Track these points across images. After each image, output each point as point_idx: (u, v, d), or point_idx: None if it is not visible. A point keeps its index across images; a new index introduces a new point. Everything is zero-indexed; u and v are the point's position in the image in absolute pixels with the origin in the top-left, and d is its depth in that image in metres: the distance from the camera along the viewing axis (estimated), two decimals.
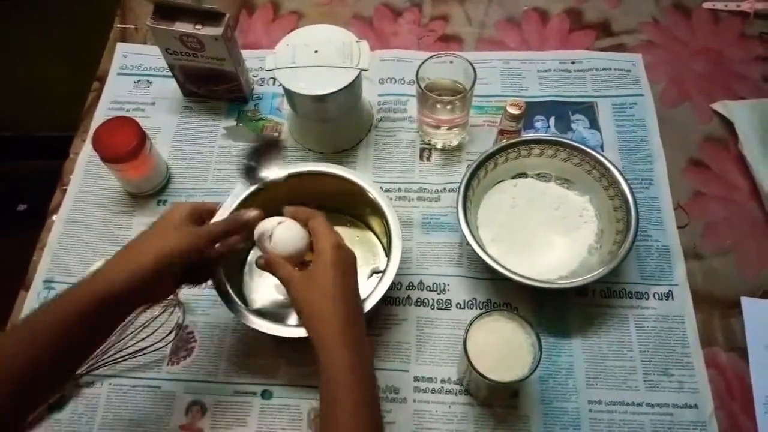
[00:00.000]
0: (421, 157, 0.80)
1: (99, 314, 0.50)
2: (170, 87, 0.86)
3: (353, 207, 0.73)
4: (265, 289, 0.71)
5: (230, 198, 0.65)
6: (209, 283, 0.62)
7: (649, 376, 0.65)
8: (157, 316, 0.68)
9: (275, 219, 0.58)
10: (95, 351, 0.57)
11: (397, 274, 0.63)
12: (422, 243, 0.74)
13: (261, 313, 0.62)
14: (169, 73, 0.83)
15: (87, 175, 0.81)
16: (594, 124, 0.82)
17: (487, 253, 0.65)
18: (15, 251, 0.79)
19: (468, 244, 0.66)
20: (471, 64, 0.72)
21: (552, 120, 0.82)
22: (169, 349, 0.68)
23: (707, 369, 0.65)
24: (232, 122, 0.84)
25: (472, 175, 0.70)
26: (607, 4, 0.93)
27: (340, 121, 0.78)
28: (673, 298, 0.69)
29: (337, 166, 0.70)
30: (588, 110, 0.83)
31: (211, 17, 0.74)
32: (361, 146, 0.81)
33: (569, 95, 0.84)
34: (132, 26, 0.94)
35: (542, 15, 0.92)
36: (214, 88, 0.83)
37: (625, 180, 0.69)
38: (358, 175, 0.69)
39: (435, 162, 0.80)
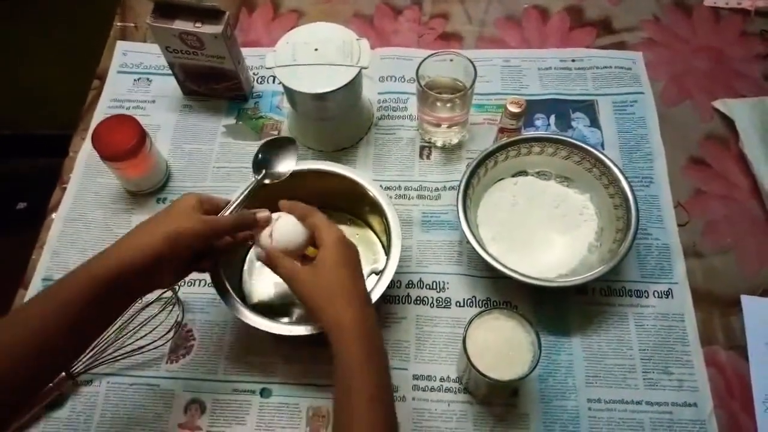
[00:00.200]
0: (421, 156, 0.80)
1: (107, 293, 0.50)
2: (170, 85, 0.85)
3: (353, 205, 0.73)
4: (264, 287, 0.71)
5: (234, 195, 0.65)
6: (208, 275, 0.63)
7: (649, 374, 0.65)
8: (156, 315, 0.68)
9: (273, 215, 0.59)
10: (100, 334, 0.57)
11: (396, 273, 0.62)
12: (422, 241, 0.74)
13: (260, 311, 0.62)
14: (169, 72, 0.83)
15: (86, 173, 0.81)
16: (594, 122, 0.81)
17: (486, 252, 0.65)
18: (14, 250, 0.79)
19: (468, 242, 0.66)
20: (471, 62, 0.72)
21: (552, 118, 0.82)
22: (168, 347, 0.68)
23: (707, 367, 0.65)
24: (231, 120, 0.84)
25: (472, 174, 0.70)
26: (608, 1, 0.92)
27: (340, 120, 0.78)
28: (672, 296, 0.69)
29: (336, 164, 0.70)
30: (588, 108, 0.83)
31: (211, 15, 0.74)
32: (361, 144, 0.81)
33: (570, 93, 0.84)
34: (132, 24, 0.94)
35: (542, 13, 0.92)
36: (214, 86, 0.83)
37: (626, 178, 0.69)
38: (358, 173, 0.69)
39: (435, 160, 0.80)
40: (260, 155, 0.65)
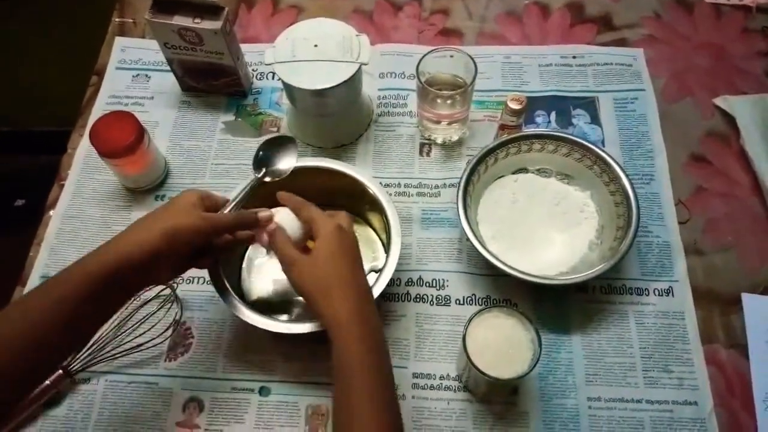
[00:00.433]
0: (421, 153, 0.80)
1: (104, 288, 0.49)
2: (169, 81, 0.85)
3: (352, 202, 0.72)
4: (263, 284, 0.71)
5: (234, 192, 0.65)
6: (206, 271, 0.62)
7: (649, 372, 0.65)
8: (154, 312, 0.68)
9: (272, 210, 0.59)
10: (97, 330, 0.56)
11: (396, 270, 0.62)
12: (422, 239, 0.74)
13: (259, 309, 0.62)
14: (168, 68, 0.82)
15: (85, 170, 0.80)
16: (595, 120, 0.81)
17: (486, 249, 0.65)
18: (13, 247, 0.79)
19: (468, 239, 0.66)
20: (471, 59, 0.71)
21: (553, 115, 0.82)
22: (166, 345, 0.68)
23: (707, 366, 0.65)
24: (230, 117, 0.84)
25: (472, 171, 0.70)
26: None
27: (339, 116, 0.77)
28: (673, 294, 0.69)
29: (336, 161, 0.69)
30: (589, 105, 0.82)
31: (210, 11, 0.73)
32: (361, 141, 0.81)
33: (570, 90, 0.84)
34: (130, 20, 0.94)
35: (543, 9, 0.92)
36: (212, 82, 0.83)
37: (626, 175, 0.68)
38: (358, 170, 0.68)
39: (435, 157, 0.79)
40: (261, 153, 0.65)
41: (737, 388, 0.64)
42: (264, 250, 0.61)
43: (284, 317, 0.69)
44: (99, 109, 0.85)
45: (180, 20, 0.73)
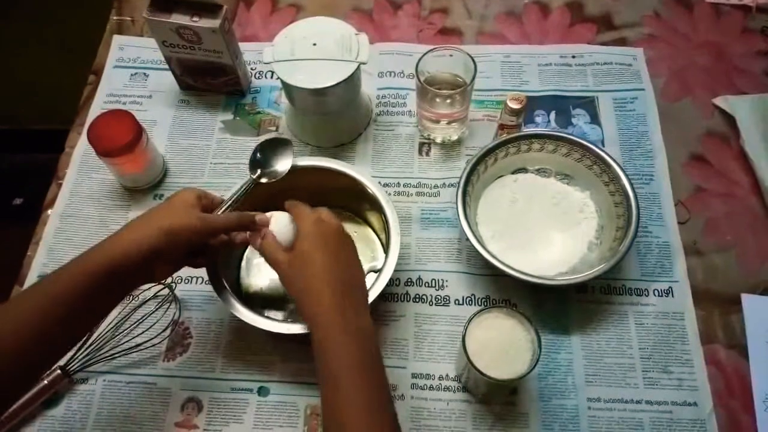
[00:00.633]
0: (420, 152, 0.80)
1: (99, 286, 0.50)
2: (167, 80, 0.85)
3: (351, 202, 0.72)
4: (261, 283, 0.71)
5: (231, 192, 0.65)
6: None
7: (649, 373, 0.65)
8: (152, 312, 0.68)
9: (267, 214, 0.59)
10: (92, 328, 0.57)
11: (395, 270, 0.62)
12: (421, 238, 0.73)
13: (258, 309, 0.61)
14: (166, 66, 0.82)
15: (82, 169, 0.80)
16: (595, 119, 0.81)
17: (486, 249, 0.65)
18: (10, 246, 0.79)
19: (467, 239, 0.66)
20: (471, 58, 0.71)
21: (552, 115, 0.82)
22: (164, 345, 0.68)
23: (707, 366, 0.65)
24: (229, 116, 0.84)
25: (472, 170, 0.70)
26: None
27: (338, 115, 0.77)
28: (673, 294, 0.69)
29: (335, 160, 0.69)
30: (589, 105, 0.82)
31: (208, 9, 0.73)
32: (360, 140, 0.81)
33: (570, 89, 0.83)
34: (128, 18, 0.93)
35: (543, 8, 0.91)
36: (211, 81, 0.82)
37: (626, 175, 0.68)
38: (357, 169, 0.68)
39: (434, 157, 0.79)
40: (257, 154, 0.65)
41: (737, 388, 0.64)
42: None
43: (283, 317, 0.68)
44: (97, 107, 0.85)
45: (178, 18, 0.73)
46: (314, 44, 0.72)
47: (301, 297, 0.52)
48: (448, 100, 0.72)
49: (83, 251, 0.51)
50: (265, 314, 0.61)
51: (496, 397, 0.64)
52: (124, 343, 0.66)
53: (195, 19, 0.73)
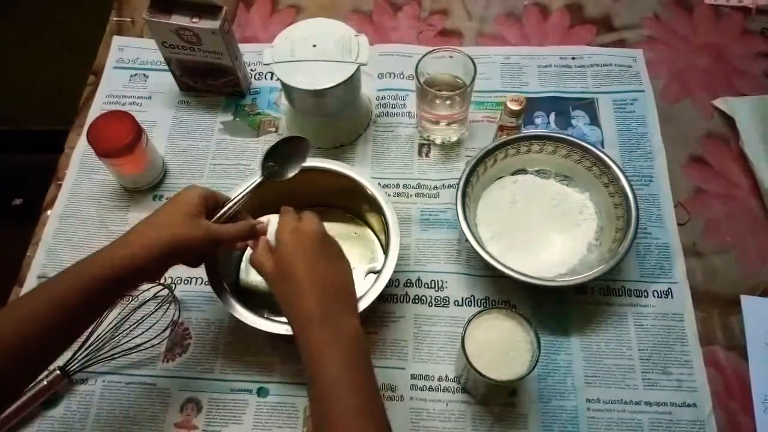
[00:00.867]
0: (419, 153, 0.80)
1: (104, 291, 0.51)
2: (167, 81, 0.85)
3: (351, 203, 0.72)
4: (261, 283, 0.70)
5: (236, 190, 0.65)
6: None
7: (648, 374, 0.65)
8: (152, 313, 0.68)
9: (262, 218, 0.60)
10: (95, 322, 0.58)
11: (394, 271, 0.62)
12: (420, 239, 0.73)
13: (257, 309, 0.61)
14: (166, 67, 0.82)
15: (82, 169, 0.80)
16: (594, 121, 0.81)
17: (485, 251, 0.65)
18: (10, 246, 0.79)
19: (467, 240, 0.66)
20: (471, 59, 0.71)
21: (552, 116, 0.82)
22: (164, 345, 0.68)
23: (706, 367, 0.65)
24: (229, 117, 0.84)
25: (471, 172, 0.70)
26: None
27: (338, 116, 0.77)
28: (672, 296, 0.69)
29: (334, 161, 0.69)
30: (588, 106, 0.82)
31: (208, 10, 0.73)
32: (360, 142, 0.81)
33: (570, 91, 0.83)
34: (128, 19, 0.93)
35: (543, 10, 0.91)
36: (211, 82, 0.83)
37: (625, 177, 0.68)
38: (356, 170, 0.68)
39: (434, 158, 0.79)
40: (272, 152, 0.63)
41: (736, 389, 0.64)
42: None
43: (282, 318, 0.68)
44: (97, 108, 0.85)
45: (178, 19, 0.73)
46: (314, 45, 0.72)
47: (285, 306, 0.53)
48: (448, 102, 0.72)
49: (88, 254, 0.52)
50: (265, 315, 0.61)
51: (495, 398, 0.64)
52: (123, 343, 0.66)
53: (195, 20, 0.73)
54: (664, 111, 0.81)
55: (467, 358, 0.56)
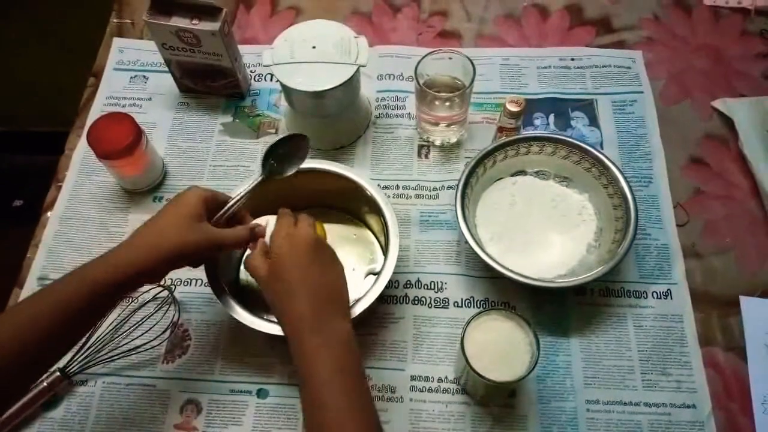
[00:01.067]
0: (419, 155, 0.80)
1: (110, 294, 0.52)
2: (167, 83, 0.85)
3: (351, 204, 0.72)
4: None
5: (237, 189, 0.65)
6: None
7: (647, 375, 0.65)
8: (152, 314, 0.68)
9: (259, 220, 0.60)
10: (97, 323, 0.59)
11: (394, 272, 0.62)
12: (420, 241, 0.74)
13: (256, 309, 0.61)
14: (166, 69, 0.82)
15: (82, 171, 0.80)
16: (593, 122, 0.81)
17: (485, 252, 0.65)
18: (10, 248, 0.79)
19: (466, 242, 0.66)
20: (470, 61, 0.71)
21: (551, 117, 0.82)
22: (164, 347, 0.68)
23: (705, 368, 0.65)
24: (228, 118, 0.84)
25: (471, 173, 0.70)
26: (608, 0, 0.92)
27: (337, 118, 0.77)
28: (671, 297, 0.69)
29: (334, 163, 0.69)
30: (588, 107, 0.82)
31: (208, 12, 0.73)
32: (359, 143, 0.81)
33: (569, 92, 0.84)
34: (128, 21, 0.93)
35: (542, 11, 0.92)
36: (210, 83, 0.83)
37: (625, 178, 0.68)
38: (356, 172, 0.68)
39: (433, 159, 0.79)
40: (273, 151, 0.63)
41: (735, 391, 0.64)
42: None
43: None
44: (97, 110, 0.85)
45: (178, 21, 0.73)
46: (313, 47, 0.72)
47: (277, 310, 0.54)
48: (447, 103, 0.73)
49: (88, 255, 0.53)
50: (264, 316, 0.61)
51: (494, 400, 0.64)
52: (123, 345, 0.66)
53: (195, 21, 0.73)
54: (664, 112, 0.81)
55: (466, 360, 0.56)
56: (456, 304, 0.69)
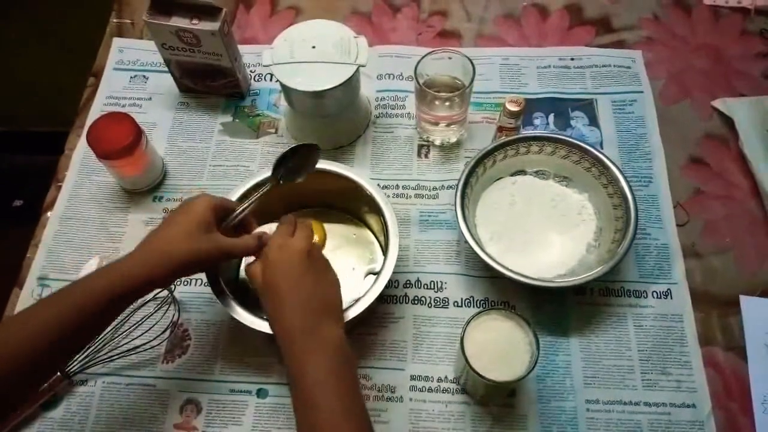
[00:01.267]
0: (419, 154, 0.80)
1: (120, 302, 0.53)
2: (166, 82, 0.85)
3: (350, 204, 0.72)
4: None
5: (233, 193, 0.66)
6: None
7: (647, 375, 0.65)
8: (151, 314, 0.68)
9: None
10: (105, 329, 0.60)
11: (394, 272, 0.62)
12: (420, 240, 0.74)
13: (256, 311, 0.61)
14: (166, 69, 0.82)
15: (82, 171, 0.80)
16: (593, 122, 0.81)
17: (485, 251, 0.65)
18: (10, 247, 0.79)
19: (466, 242, 0.66)
20: (470, 60, 0.71)
21: (551, 117, 0.82)
22: (163, 347, 0.68)
23: (705, 368, 0.65)
24: (228, 118, 0.84)
25: (471, 173, 0.70)
26: (607, 0, 0.92)
27: (337, 118, 0.77)
28: (671, 296, 0.69)
29: (334, 162, 0.69)
30: (587, 107, 0.82)
31: (207, 12, 0.73)
32: (359, 143, 0.81)
33: (569, 92, 0.84)
34: (128, 21, 0.93)
35: (542, 11, 0.92)
36: (210, 83, 0.83)
37: (625, 178, 0.68)
38: (356, 171, 0.68)
39: (433, 159, 0.79)
40: (284, 161, 0.63)
41: (735, 390, 0.64)
42: None
43: None
44: (97, 110, 0.85)
45: (177, 21, 0.73)
46: (313, 47, 0.72)
47: (270, 320, 0.55)
48: (447, 103, 0.73)
49: (86, 253, 0.53)
50: (264, 317, 0.61)
51: (494, 399, 0.64)
52: (123, 345, 0.66)
53: (194, 21, 0.73)
54: (663, 112, 0.81)
55: (466, 359, 0.56)
56: (456, 303, 0.69)
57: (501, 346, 0.57)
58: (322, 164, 0.69)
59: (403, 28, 0.91)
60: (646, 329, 0.67)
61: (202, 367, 0.67)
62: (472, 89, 0.72)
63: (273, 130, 0.83)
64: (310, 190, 0.69)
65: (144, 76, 0.88)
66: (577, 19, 0.91)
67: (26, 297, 0.71)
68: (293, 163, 0.62)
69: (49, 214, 0.77)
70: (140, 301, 0.68)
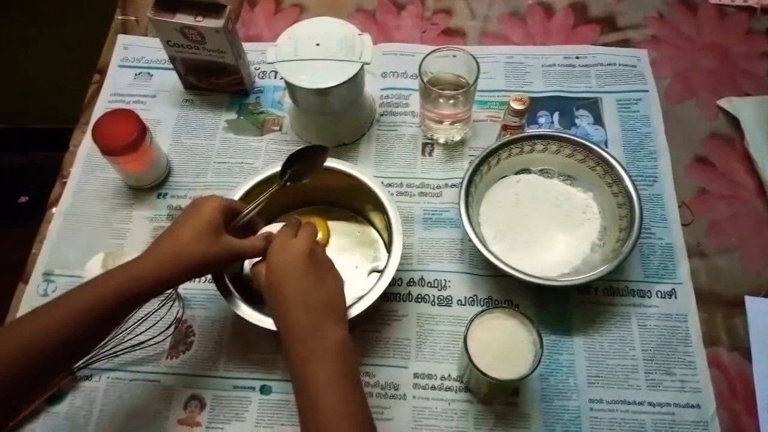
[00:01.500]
0: (423, 152, 0.80)
1: (136, 299, 0.53)
2: (171, 79, 0.85)
3: (354, 202, 0.72)
4: None
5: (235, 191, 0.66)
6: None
7: (651, 375, 0.65)
8: (156, 310, 0.68)
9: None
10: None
11: (397, 270, 0.62)
12: (423, 239, 0.73)
13: (260, 307, 0.61)
14: (170, 66, 0.82)
15: (87, 167, 0.80)
16: (598, 120, 0.81)
17: (488, 250, 0.65)
18: (16, 244, 0.79)
19: (470, 240, 0.66)
20: (474, 59, 0.71)
21: (556, 115, 0.82)
22: (168, 343, 0.68)
23: (710, 368, 0.65)
24: (233, 115, 0.84)
25: (475, 171, 0.70)
26: None
27: (341, 115, 0.77)
28: (676, 296, 0.69)
29: (338, 160, 0.69)
30: (592, 106, 0.82)
31: (212, 9, 0.73)
32: (363, 141, 0.81)
33: (573, 90, 0.83)
34: (133, 18, 0.94)
35: (547, 9, 0.91)
36: (215, 80, 0.83)
37: (629, 177, 0.68)
38: (360, 169, 0.68)
39: (437, 157, 0.79)
40: (290, 163, 0.63)
41: (740, 391, 0.64)
42: None
43: None
44: (101, 106, 0.85)
45: (182, 18, 0.73)
46: (317, 44, 0.72)
47: (276, 322, 0.55)
48: (452, 101, 0.72)
49: (91, 251, 0.53)
50: (268, 313, 0.61)
51: (497, 398, 0.64)
52: (127, 340, 0.67)
53: (199, 18, 0.73)
54: (668, 111, 0.81)
55: (470, 358, 0.56)
56: (459, 302, 0.69)
57: (504, 345, 0.57)
58: (326, 162, 0.69)
59: (407, 26, 0.91)
60: (650, 329, 0.67)
61: (206, 363, 0.67)
62: (476, 87, 0.72)
63: (277, 128, 0.83)
64: (314, 187, 0.69)
65: (149, 73, 0.88)
66: (582, 17, 0.90)
67: (32, 292, 0.72)
68: (300, 164, 0.63)
69: (54, 210, 0.77)
70: None
